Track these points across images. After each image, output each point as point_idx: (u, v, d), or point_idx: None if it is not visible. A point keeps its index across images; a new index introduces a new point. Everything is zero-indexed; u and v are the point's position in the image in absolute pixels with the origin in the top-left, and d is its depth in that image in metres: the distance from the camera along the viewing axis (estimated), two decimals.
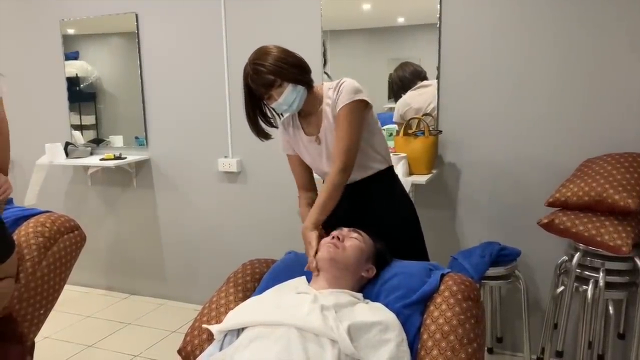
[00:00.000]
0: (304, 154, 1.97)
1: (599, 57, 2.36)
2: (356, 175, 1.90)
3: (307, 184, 2.04)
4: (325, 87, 1.89)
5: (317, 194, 2.03)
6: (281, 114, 1.97)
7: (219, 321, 1.64)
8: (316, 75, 1.91)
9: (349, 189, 1.86)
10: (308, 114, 1.91)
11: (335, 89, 1.83)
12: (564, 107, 2.45)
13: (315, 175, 2.07)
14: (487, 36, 2.53)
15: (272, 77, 1.75)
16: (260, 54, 1.78)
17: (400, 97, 2.78)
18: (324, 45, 2.87)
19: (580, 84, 2.41)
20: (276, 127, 1.98)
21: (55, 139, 3.50)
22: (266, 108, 1.91)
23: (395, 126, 2.76)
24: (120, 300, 3.62)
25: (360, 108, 1.80)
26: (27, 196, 3.50)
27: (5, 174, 2.03)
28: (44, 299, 2.05)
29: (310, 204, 1.93)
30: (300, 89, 1.80)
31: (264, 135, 1.95)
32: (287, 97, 1.79)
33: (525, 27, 2.46)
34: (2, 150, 2.04)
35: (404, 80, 2.77)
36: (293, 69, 1.77)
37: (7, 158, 2.06)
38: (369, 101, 1.83)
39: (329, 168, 1.92)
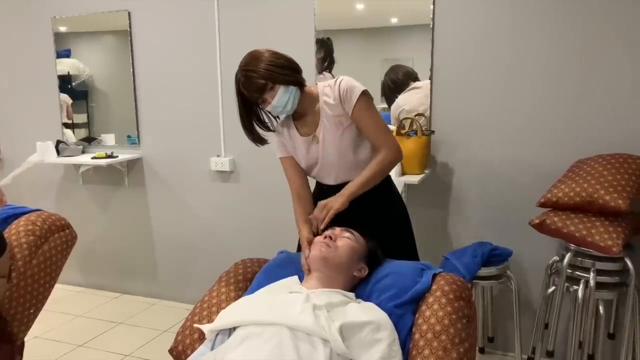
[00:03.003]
0: (299, 155, 1.97)
1: (590, 58, 2.37)
2: (350, 175, 1.91)
3: (302, 190, 2.00)
4: (321, 86, 1.90)
5: (311, 202, 1.99)
6: (277, 117, 1.97)
7: (210, 321, 1.64)
8: (309, 75, 1.91)
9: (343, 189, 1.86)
10: (303, 114, 1.91)
11: (335, 86, 1.84)
12: (555, 107, 2.46)
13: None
14: (480, 37, 2.54)
15: (263, 81, 1.76)
16: (250, 60, 1.78)
17: (393, 100, 2.79)
18: (330, 44, 2.86)
19: (571, 85, 2.42)
20: (273, 130, 1.98)
21: (46, 137, 3.48)
22: (262, 113, 1.92)
23: (390, 127, 2.76)
24: (111, 300, 3.60)
25: (369, 98, 1.86)
26: (5, 178, 3.49)
27: None
28: (34, 298, 2.04)
29: (309, 220, 1.88)
30: (293, 89, 1.81)
31: (259, 141, 1.95)
32: (281, 99, 1.79)
33: (517, 29, 2.47)
34: None
35: (397, 82, 2.77)
36: (283, 71, 1.78)
37: None
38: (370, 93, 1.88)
39: (326, 168, 1.92)
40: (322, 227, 1.75)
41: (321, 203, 1.80)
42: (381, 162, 1.84)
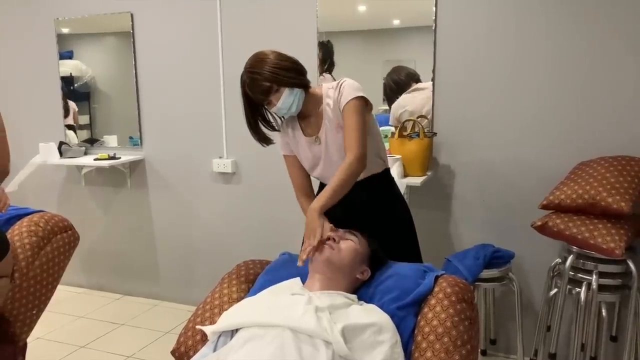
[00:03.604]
0: (302, 155, 1.98)
1: (592, 60, 2.37)
2: None
3: (305, 186, 2.04)
4: (325, 88, 1.91)
5: (314, 196, 2.04)
6: (282, 117, 1.98)
7: (213, 322, 1.64)
8: (311, 76, 1.92)
9: None
10: (307, 115, 1.93)
11: (337, 89, 1.85)
12: (557, 110, 2.46)
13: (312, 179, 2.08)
14: (482, 39, 2.54)
15: (268, 84, 1.77)
16: (255, 62, 1.79)
17: (395, 101, 2.79)
18: (330, 45, 2.86)
19: (574, 87, 2.42)
20: (278, 130, 1.99)
21: (49, 139, 3.49)
22: (267, 113, 1.93)
23: (390, 128, 2.76)
24: (113, 301, 3.61)
25: (363, 104, 1.83)
26: (10, 183, 3.49)
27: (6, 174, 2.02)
28: (37, 299, 2.04)
29: None
30: (297, 91, 1.82)
31: (265, 141, 1.96)
32: (285, 101, 1.80)
33: (520, 30, 2.47)
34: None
35: (399, 83, 2.77)
36: (288, 73, 1.79)
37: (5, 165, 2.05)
38: (369, 101, 1.86)
39: (328, 169, 1.93)
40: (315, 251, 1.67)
41: (305, 235, 1.70)
42: (347, 168, 1.76)
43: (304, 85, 1.84)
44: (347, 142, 1.79)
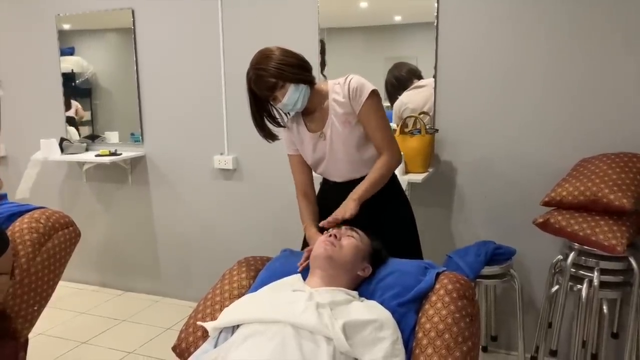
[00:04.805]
0: (307, 151, 1.98)
1: (594, 56, 2.36)
2: (356, 174, 1.91)
3: (307, 188, 2.04)
4: (331, 84, 1.92)
5: (316, 200, 2.04)
6: (288, 113, 1.98)
7: (213, 318, 1.64)
8: (313, 73, 1.92)
9: (348, 187, 1.87)
10: (312, 111, 1.93)
11: (344, 84, 1.86)
12: (559, 106, 2.45)
13: (315, 175, 2.08)
14: (484, 35, 2.53)
15: (274, 80, 1.78)
16: (261, 58, 1.80)
17: (396, 98, 2.78)
18: (323, 45, 2.85)
19: (575, 84, 2.41)
20: (284, 126, 2.00)
21: (50, 135, 3.49)
22: (272, 109, 1.93)
23: (392, 125, 2.76)
24: (114, 297, 3.61)
25: (377, 99, 1.87)
26: (20, 188, 3.49)
27: None
28: (38, 295, 2.04)
29: (315, 218, 1.95)
30: (303, 87, 1.83)
31: (271, 137, 1.97)
32: (291, 97, 1.81)
33: (522, 27, 2.46)
34: None
35: (401, 79, 2.76)
36: (294, 70, 1.79)
37: None
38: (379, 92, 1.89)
39: (333, 165, 1.93)
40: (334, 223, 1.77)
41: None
42: (384, 165, 1.86)
43: (309, 81, 1.85)
44: (379, 143, 1.86)
